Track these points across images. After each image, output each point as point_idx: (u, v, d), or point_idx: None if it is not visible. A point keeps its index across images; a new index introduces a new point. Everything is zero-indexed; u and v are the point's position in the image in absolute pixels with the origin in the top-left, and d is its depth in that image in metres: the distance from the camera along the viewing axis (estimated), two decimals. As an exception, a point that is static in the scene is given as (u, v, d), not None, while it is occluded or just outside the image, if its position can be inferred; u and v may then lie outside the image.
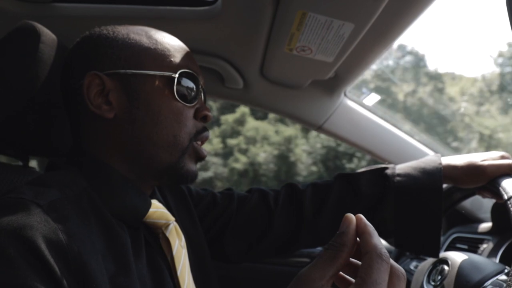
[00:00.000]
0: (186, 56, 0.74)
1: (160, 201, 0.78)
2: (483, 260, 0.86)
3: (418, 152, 1.40)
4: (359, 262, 0.44)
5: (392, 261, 0.43)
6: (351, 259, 0.47)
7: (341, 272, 0.48)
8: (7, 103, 0.76)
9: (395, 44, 1.01)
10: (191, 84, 0.73)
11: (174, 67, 0.71)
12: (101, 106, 0.68)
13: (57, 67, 0.79)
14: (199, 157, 0.75)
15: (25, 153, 0.90)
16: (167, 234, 0.74)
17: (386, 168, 0.97)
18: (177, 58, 0.72)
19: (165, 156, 0.70)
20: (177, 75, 0.70)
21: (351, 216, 0.47)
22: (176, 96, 0.70)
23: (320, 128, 1.42)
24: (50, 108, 0.80)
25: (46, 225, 0.52)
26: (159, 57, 0.70)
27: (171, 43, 0.74)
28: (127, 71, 0.68)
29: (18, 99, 0.75)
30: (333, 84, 1.29)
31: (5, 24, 0.95)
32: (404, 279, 0.43)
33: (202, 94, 0.77)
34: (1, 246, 0.48)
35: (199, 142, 0.75)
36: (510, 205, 0.73)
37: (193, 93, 0.73)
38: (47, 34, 0.79)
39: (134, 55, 0.69)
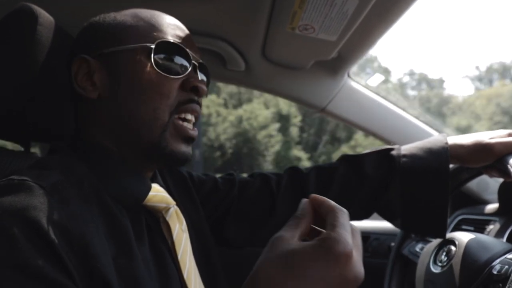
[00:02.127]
0: (172, 30, 0.72)
1: (161, 185, 0.77)
2: (490, 240, 0.85)
3: (423, 133, 1.38)
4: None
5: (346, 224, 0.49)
6: (315, 227, 0.53)
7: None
8: (6, 87, 0.75)
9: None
10: (175, 55, 0.69)
11: (155, 40, 0.68)
12: (86, 88, 0.69)
13: (56, 49, 0.78)
14: (184, 136, 0.70)
15: (26, 138, 0.89)
16: (167, 218, 0.73)
17: (392, 149, 0.96)
18: (160, 32, 0.70)
19: (145, 132, 0.67)
20: (154, 45, 0.67)
21: (312, 196, 0.56)
22: (155, 67, 0.67)
23: (323, 110, 1.40)
24: (49, 91, 0.79)
25: (49, 206, 0.52)
26: (140, 32, 0.69)
27: (156, 19, 0.72)
28: (109, 49, 0.68)
29: (16, 82, 0.74)
30: (336, 64, 1.27)
31: (2, 7, 0.93)
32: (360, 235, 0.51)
33: (197, 70, 0.74)
34: (5, 226, 0.48)
35: (188, 117, 0.71)
36: None
37: (179, 65, 0.69)
38: (45, 16, 0.78)
39: (116, 34, 0.70)
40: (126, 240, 0.62)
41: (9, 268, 0.46)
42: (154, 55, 0.67)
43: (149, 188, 0.71)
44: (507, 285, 0.49)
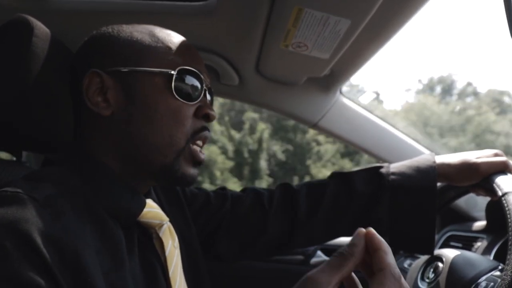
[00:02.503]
0: (189, 54, 0.73)
1: (154, 200, 0.77)
2: (477, 257, 0.86)
3: (413, 151, 1.40)
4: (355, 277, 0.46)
5: (404, 281, 0.45)
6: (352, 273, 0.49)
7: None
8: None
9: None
10: (192, 82, 0.70)
11: (175, 65, 0.69)
12: (99, 104, 0.67)
13: (51, 61, 0.78)
14: (196, 160, 0.72)
15: (18, 148, 0.89)
16: (161, 234, 0.73)
17: (381, 167, 0.97)
18: (178, 56, 0.70)
19: (159, 157, 0.68)
20: (175, 72, 0.68)
21: (363, 230, 0.49)
22: (175, 94, 0.68)
23: (315, 126, 1.42)
24: (43, 102, 0.79)
25: (42, 219, 0.52)
26: (159, 54, 0.69)
27: (174, 41, 0.72)
28: (126, 68, 0.68)
29: (10, 93, 0.74)
30: (328, 81, 1.29)
31: (-2, 18, 0.94)
32: None
33: (206, 93, 0.75)
34: None
35: (199, 142, 0.73)
36: (504, 202, 0.73)
37: (194, 91, 0.70)
38: (41, 28, 0.78)
39: (134, 53, 0.69)
40: (118, 253, 0.62)
41: (1, 280, 0.45)
42: (174, 81, 0.68)
43: (144, 204, 0.70)
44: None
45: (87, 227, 0.58)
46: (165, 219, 0.74)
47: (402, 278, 0.44)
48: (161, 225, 0.73)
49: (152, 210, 0.72)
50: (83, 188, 0.63)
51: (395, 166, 0.96)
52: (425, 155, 0.98)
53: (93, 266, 0.55)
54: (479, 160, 0.88)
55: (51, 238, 0.51)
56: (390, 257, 0.46)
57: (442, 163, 0.93)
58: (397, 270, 0.44)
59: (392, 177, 0.93)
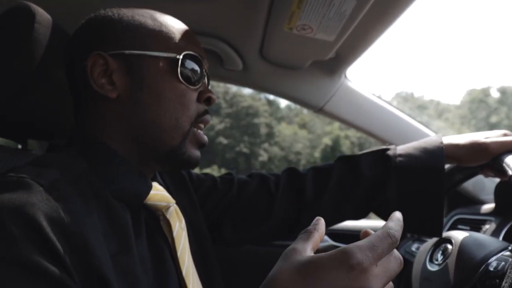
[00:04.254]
0: (190, 39, 0.74)
1: (160, 184, 0.77)
2: (486, 238, 0.86)
3: (419, 133, 1.39)
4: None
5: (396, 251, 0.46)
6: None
7: None
8: (3, 85, 0.74)
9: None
10: (195, 67, 0.72)
11: (179, 49, 0.70)
12: (104, 86, 0.67)
13: (53, 47, 0.78)
14: (200, 142, 0.74)
15: (23, 135, 0.89)
16: (168, 216, 0.74)
17: (388, 149, 0.97)
18: (181, 40, 0.71)
19: (167, 139, 0.69)
20: (181, 57, 0.69)
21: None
22: (180, 78, 0.69)
23: (320, 110, 1.40)
24: (46, 89, 0.79)
25: (48, 203, 0.52)
26: (163, 39, 0.70)
27: (176, 26, 0.73)
28: (132, 51, 0.68)
29: (13, 80, 0.74)
30: (334, 64, 1.28)
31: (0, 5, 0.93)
32: (400, 265, 0.46)
33: (206, 78, 0.77)
34: (3, 223, 0.48)
35: (201, 126, 0.75)
36: None
37: (197, 76, 0.72)
38: (42, 14, 0.77)
39: (138, 36, 0.69)
40: (125, 236, 0.62)
41: (8, 263, 0.46)
42: (180, 66, 0.69)
43: (150, 187, 0.71)
44: (504, 280, 0.50)
45: (93, 211, 0.59)
46: (172, 201, 0.75)
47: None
48: (167, 207, 0.74)
49: (158, 192, 0.73)
50: (89, 172, 0.64)
51: (402, 148, 0.95)
52: (433, 136, 0.97)
53: (100, 249, 0.55)
54: (488, 140, 0.87)
55: (57, 223, 0.51)
56: (391, 223, 0.49)
57: (450, 144, 0.92)
58: (393, 232, 0.46)
59: (399, 159, 0.93)
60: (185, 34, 0.73)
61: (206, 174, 1.01)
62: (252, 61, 1.28)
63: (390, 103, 1.41)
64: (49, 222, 0.50)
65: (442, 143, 0.92)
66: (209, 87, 0.79)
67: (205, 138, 0.75)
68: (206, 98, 0.74)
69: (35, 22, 0.75)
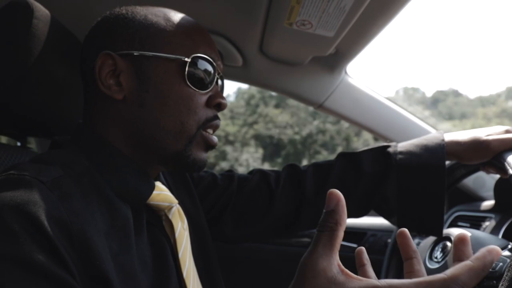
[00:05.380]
0: (203, 41, 0.71)
1: (163, 183, 0.77)
2: (486, 236, 0.85)
3: (420, 130, 1.38)
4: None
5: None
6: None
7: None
8: (1, 81, 0.74)
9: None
10: (205, 70, 0.69)
11: (188, 51, 0.68)
12: (111, 87, 0.66)
13: (52, 43, 0.77)
14: (209, 145, 0.72)
15: (22, 133, 0.89)
16: (170, 217, 0.73)
17: (388, 146, 0.96)
18: (193, 42, 0.69)
19: (171, 143, 0.68)
20: (189, 59, 0.67)
21: (336, 192, 0.45)
22: (187, 81, 0.67)
23: (321, 107, 1.40)
24: (45, 85, 0.78)
25: (49, 201, 0.51)
26: (174, 40, 0.68)
27: (189, 27, 0.71)
28: (140, 52, 0.66)
29: (12, 77, 0.74)
30: (334, 60, 1.27)
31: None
32: None
33: (218, 81, 0.74)
34: (5, 221, 0.47)
35: (210, 130, 0.72)
36: None
37: (206, 80, 0.70)
38: (41, 10, 0.77)
39: (149, 36, 0.67)
40: (127, 236, 0.62)
41: (9, 262, 0.45)
42: (188, 69, 0.67)
43: (153, 187, 0.70)
44: (501, 283, 0.49)
45: (95, 210, 0.58)
46: (174, 201, 0.74)
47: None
48: (170, 208, 0.73)
49: (161, 193, 0.72)
50: (92, 170, 0.63)
51: (403, 145, 0.95)
52: (434, 133, 0.96)
53: (102, 248, 0.55)
54: (490, 137, 0.86)
55: (59, 221, 0.51)
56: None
57: (451, 141, 0.91)
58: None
59: (400, 156, 0.92)
60: (198, 35, 0.71)
61: (206, 171, 1.01)
62: (252, 57, 1.27)
63: (391, 100, 1.41)
64: (50, 221, 0.50)
65: (443, 140, 0.91)
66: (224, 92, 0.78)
67: (215, 139, 0.73)
68: (216, 104, 0.72)
69: (34, 18, 0.74)
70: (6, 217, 0.47)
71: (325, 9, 0.89)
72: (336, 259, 0.43)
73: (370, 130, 1.43)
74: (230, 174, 1.01)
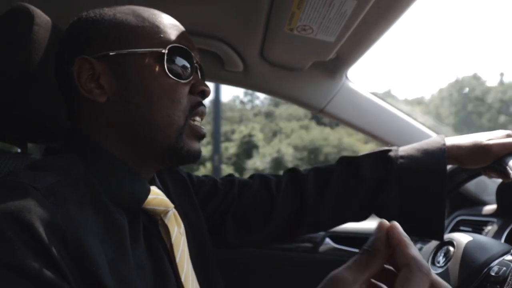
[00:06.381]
0: (176, 32, 0.71)
1: (159, 188, 0.76)
2: (489, 241, 0.85)
3: (421, 134, 1.38)
4: (392, 269, 0.43)
5: (434, 275, 0.42)
6: (386, 265, 0.45)
7: (373, 280, 0.46)
8: (2, 87, 0.74)
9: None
10: (183, 60, 0.69)
11: (164, 43, 0.67)
12: (93, 90, 0.66)
13: (52, 49, 0.77)
14: (198, 134, 0.72)
15: (22, 139, 0.89)
16: (166, 221, 0.73)
17: (389, 150, 0.96)
18: (167, 34, 0.69)
19: (162, 137, 0.67)
20: (166, 51, 0.67)
21: (385, 222, 0.46)
22: (168, 73, 0.67)
23: (321, 111, 1.40)
24: (46, 91, 0.79)
25: (44, 208, 0.51)
26: (147, 34, 0.68)
27: (160, 20, 0.70)
28: (116, 51, 0.66)
29: (12, 82, 0.74)
30: (334, 65, 1.27)
31: (-1, 7, 0.93)
32: None
33: (198, 70, 0.75)
34: (0, 228, 0.47)
35: (197, 119, 0.72)
36: None
37: (186, 69, 0.70)
38: (41, 16, 0.77)
39: (121, 35, 0.67)
40: (122, 242, 0.61)
41: (4, 268, 0.45)
42: (166, 60, 0.67)
43: (149, 191, 0.70)
44: (505, 287, 0.49)
45: (90, 216, 0.58)
46: (170, 205, 0.74)
47: (432, 272, 0.41)
48: (166, 212, 0.73)
49: (157, 197, 0.71)
50: (86, 176, 0.63)
51: (404, 149, 0.95)
52: (435, 137, 0.96)
53: (98, 254, 0.54)
54: (491, 142, 0.86)
55: (54, 228, 0.51)
56: (413, 250, 0.43)
57: (452, 145, 0.91)
58: (424, 263, 0.41)
59: (401, 160, 0.92)
60: (170, 27, 0.70)
61: (207, 176, 1.00)
62: (253, 62, 1.27)
63: (391, 104, 1.41)
64: (45, 227, 0.49)
65: (444, 144, 0.91)
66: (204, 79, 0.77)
67: (203, 129, 0.73)
68: (200, 91, 0.72)
69: (34, 24, 0.74)
70: (0, 224, 0.47)
71: (326, 14, 0.90)
72: (363, 278, 0.42)
73: (371, 135, 1.42)
74: (230, 178, 1.01)
